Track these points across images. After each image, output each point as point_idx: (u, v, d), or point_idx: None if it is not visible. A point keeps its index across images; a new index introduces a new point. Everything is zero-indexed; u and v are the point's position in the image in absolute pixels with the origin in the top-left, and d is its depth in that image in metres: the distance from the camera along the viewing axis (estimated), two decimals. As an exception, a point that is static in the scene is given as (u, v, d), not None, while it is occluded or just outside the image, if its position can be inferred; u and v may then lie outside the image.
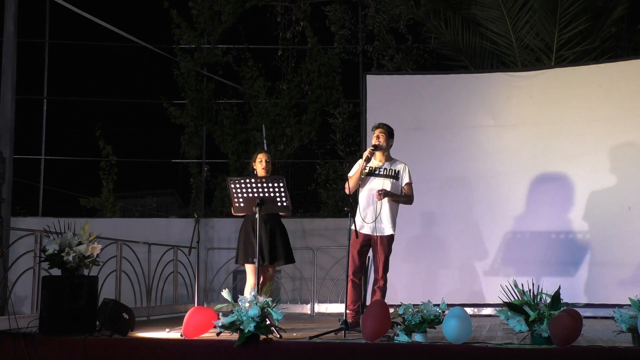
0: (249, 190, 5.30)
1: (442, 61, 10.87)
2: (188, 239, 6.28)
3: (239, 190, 5.33)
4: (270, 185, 5.26)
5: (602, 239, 7.71)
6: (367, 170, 5.87)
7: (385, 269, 5.81)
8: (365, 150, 5.92)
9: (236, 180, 5.34)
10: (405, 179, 5.93)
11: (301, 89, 11.49)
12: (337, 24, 11.68)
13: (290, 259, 5.94)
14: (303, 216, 11.01)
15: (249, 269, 5.89)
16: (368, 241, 5.84)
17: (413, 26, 11.40)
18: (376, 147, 5.86)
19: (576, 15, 9.43)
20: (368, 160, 5.83)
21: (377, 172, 5.90)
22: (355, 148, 11.33)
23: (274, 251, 5.82)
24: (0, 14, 8.86)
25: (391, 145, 6.02)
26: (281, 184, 5.25)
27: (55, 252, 5.04)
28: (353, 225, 5.40)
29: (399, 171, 5.92)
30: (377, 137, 5.90)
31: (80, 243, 5.11)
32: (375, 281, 5.85)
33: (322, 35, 11.67)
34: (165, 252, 8.47)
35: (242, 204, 5.37)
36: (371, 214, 5.78)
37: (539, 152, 8.07)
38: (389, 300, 5.06)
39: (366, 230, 5.78)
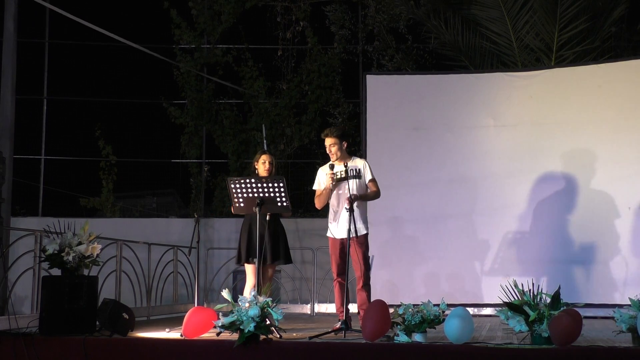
0: (249, 190, 5.30)
1: (442, 61, 10.86)
2: (188, 239, 6.29)
3: (239, 190, 5.33)
4: (270, 185, 5.26)
5: (602, 239, 7.71)
6: (338, 177, 5.74)
7: (367, 267, 5.80)
8: (364, 149, 5.89)
9: (236, 180, 5.34)
10: (368, 176, 5.87)
11: (301, 89, 11.49)
12: (337, 24, 11.67)
13: (289, 259, 5.98)
14: (303, 216, 11.00)
15: (249, 269, 5.90)
16: (344, 243, 5.72)
17: (413, 26, 11.39)
18: (333, 166, 5.73)
19: (576, 15, 9.43)
20: (334, 178, 5.71)
21: (333, 182, 5.76)
22: (355, 148, 11.31)
23: (277, 251, 5.83)
24: (0, 14, 8.87)
25: (345, 146, 5.88)
26: (281, 184, 5.26)
27: (55, 252, 5.04)
28: (329, 230, 5.40)
29: (360, 169, 5.86)
30: (330, 151, 5.79)
31: (80, 243, 5.11)
32: (358, 281, 5.81)
33: (322, 35, 11.66)
34: (165, 252, 8.47)
35: (242, 204, 5.37)
36: (344, 218, 5.66)
37: (539, 152, 8.07)
38: (388, 300, 5.05)
39: (339, 234, 5.73)
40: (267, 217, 5.43)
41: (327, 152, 5.85)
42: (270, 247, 5.75)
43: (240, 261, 5.94)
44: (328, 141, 5.81)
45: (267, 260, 5.74)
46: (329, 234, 5.87)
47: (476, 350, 4.25)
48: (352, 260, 5.70)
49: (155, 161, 11.83)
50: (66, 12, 8.61)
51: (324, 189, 5.82)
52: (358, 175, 5.83)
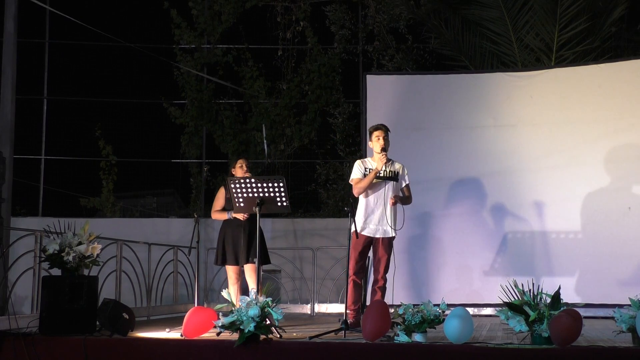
0: (249, 190, 5.31)
1: (442, 61, 10.86)
2: (188, 239, 6.32)
3: (239, 191, 5.34)
4: (270, 185, 5.28)
5: (602, 239, 7.70)
6: (381, 175, 5.83)
7: (387, 269, 5.89)
8: (364, 149, 5.95)
9: (236, 180, 5.36)
10: (405, 181, 5.98)
11: (301, 89, 11.49)
12: (337, 24, 11.67)
13: (267, 260, 6.26)
14: (303, 216, 11.01)
15: (231, 270, 6.21)
16: (369, 242, 5.87)
17: (413, 26, 11.39)
18: (385, 151, 5.86)
19: (576, 15, 9.44)
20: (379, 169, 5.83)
21: (378, 174, 5.88)
22: (355, 148, 11.33)
23: (250, 251, 6.09)
24: (0, 14, 8.86)
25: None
26: (281, 184, 5.28)
27: (55, 252, 5.04)
28: (353, 226, 5.41)
29: (398, 172, 5.94)
30: (382, 142, 5.88)
31: (80, 243, 5.11)
32: (376, 281, 5.87)
33: (322, 35, 11.66)
34: (165, 252, 8.47)
35: (242, 204, 5.40)
36: (378, 217, 5.79)
37: (539, 152, 8.07)
38: (388, 300, 5.07)
39: (368, 232, 5.78)
40: (258, 216, 5.46)
41: (376, 142, 5.89)
42: (245, 248, 6.05)
43: (218, 262, 6.27)
44: (381, 132, 5.93)
45: (243, 260, 6.06)
46: (356, 230, 5.66)
47: (476, 350, 4.25)
48: (375, 259, 5.89)
49: (155, 161, 11.82)
50: (66, 12, 8.61)
51: (369, 176, 5.81)
52: (395, 177, 5.90)
